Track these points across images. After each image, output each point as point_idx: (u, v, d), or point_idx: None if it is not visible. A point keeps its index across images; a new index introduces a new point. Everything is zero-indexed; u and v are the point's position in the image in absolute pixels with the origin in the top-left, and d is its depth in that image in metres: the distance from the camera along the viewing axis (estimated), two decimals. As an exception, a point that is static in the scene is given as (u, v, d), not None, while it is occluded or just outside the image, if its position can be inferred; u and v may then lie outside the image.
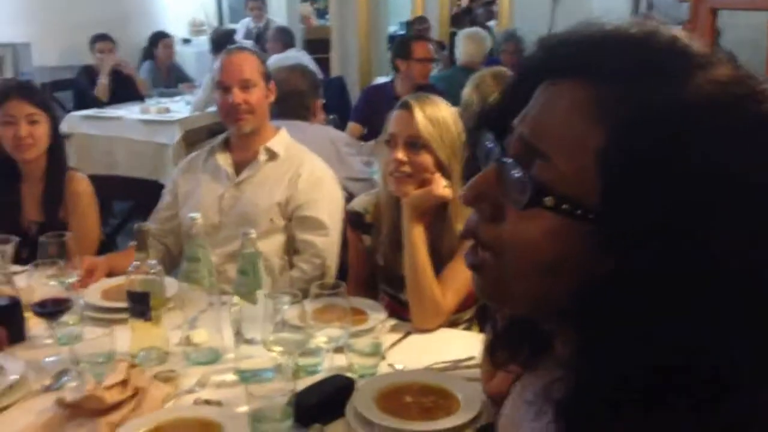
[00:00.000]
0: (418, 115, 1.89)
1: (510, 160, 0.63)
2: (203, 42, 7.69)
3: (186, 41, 8.19)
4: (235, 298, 1.65)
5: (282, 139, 2.45)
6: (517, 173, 0.62)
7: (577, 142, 0.59)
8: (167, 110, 5.42)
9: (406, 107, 1.91)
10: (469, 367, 1.67)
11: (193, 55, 7.89)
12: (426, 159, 1.89)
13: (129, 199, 5.19)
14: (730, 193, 0.55)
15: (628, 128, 0.57)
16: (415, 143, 1.89)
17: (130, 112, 5.48)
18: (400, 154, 1.89)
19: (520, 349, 0.76)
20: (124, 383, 1.53)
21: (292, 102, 3.22)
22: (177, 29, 7.84)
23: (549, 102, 0.63)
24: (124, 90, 6.08)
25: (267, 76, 2.44)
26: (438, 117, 1.90)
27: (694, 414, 0.55)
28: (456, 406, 1.46)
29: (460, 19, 8.89)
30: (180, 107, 5.61)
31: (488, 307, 0.77)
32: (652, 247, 0.55)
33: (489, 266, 0.65)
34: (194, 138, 5.24)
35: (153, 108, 5.49)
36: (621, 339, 0.56)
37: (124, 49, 6.71)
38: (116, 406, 1.49)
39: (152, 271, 1.73)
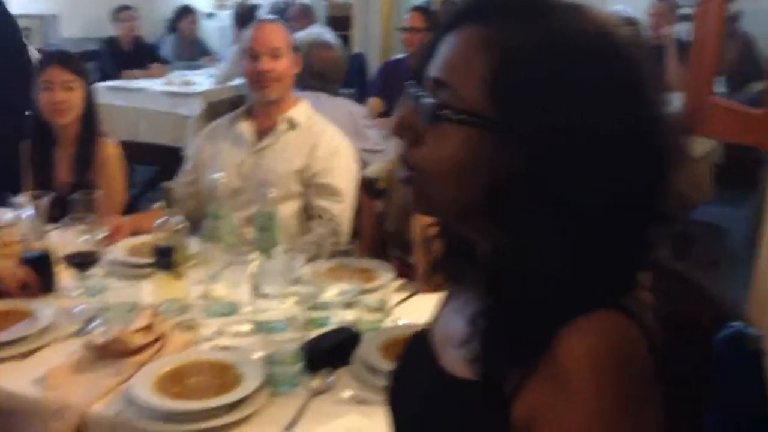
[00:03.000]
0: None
1: (423, 93, 0.83)
2: (227, 16, 7.78)
3: (210, 15, 8.28)
4: (253, 254, 1.76)
5: (303, 109, 2.55)
6: (427, 101, 0.81)
7: (469, 69, 0.79)
8: (190, 83, 5.53)
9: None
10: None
11: (216, 29, 7.99)
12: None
13: (149, 164, 5.30)
14: (588, 95, 0.75)
15: (509, 56, 0.77)
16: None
17: (153, 83, 5.59)
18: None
19: (451, 265, 0.95)
20: (148, 329, 1.65)
21: (329, 77, 3.34)
22: (201, 3, 7.94)
23: (451, 45, 0.82)
24: (146, 60, 6.19)
25: (294, 48, 2.54)
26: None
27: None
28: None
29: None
30: (202, 80, 5.72)
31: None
32: (537, 145, 0.74)
33: (415, 180, 0.84)
34: (216, 111, 5.35)
35: (176, 80, 5.60)
36: (523, 213, 0.76)
37: (149, 22, 6.82)
38: (141, 348, 1.61)
39: (177, 227, 1.85)
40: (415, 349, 1.03)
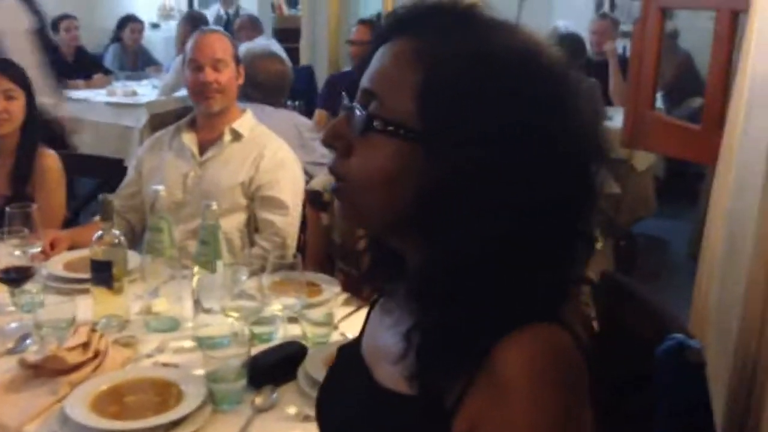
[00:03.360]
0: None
1: (354, 104, 0.83)
2: (172, 27, 7.68)
3: (155, 26, 8.18)
4: (195, 268, 1.72)
5: (247, 120, 2.52)
6: (358, 112, 0.82)
7: (398, 82, 0.80)
8: (134, 93, 5.44)
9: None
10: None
11: (161, 40, 7.89)
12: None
13: (92, 176, 5.18)
14: (513, 109, 0.76)
15: (437, 69, 0.78)
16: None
17: (96, 94, 5.48)
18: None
19: (380, 277, 0.95)
20: (85, 346, 1.59)
21: (277, 89, 3.31)
22: (146, 13, 7.83)
23: (381, 56, 0.83)
24: (88, 70, 6.06)
25: (237, 59, 2.51)
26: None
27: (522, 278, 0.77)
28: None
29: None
30: (147, 91, 5.63)
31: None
32: (463, 155, 0.75)
33: (344, 191, 0.85)
34: (161, 122, 5.26)
35: (119, 90, 5.49)
36: (454, 224, 0.77)
37: (91, 31, 6.69)
38: (77, 366, 1.55)
39: (116, 241, 1.79)
40: (344, 362, 1.03)
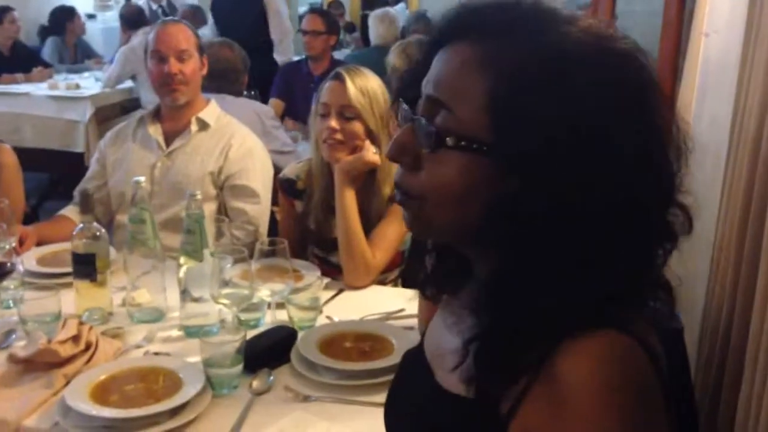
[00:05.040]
0: (350, 86, 2.01)
1: (420, 116, 0.80)
2: (109, 18, 7.54)
3: (91, 16, 7.99)
4: (182, 258, 1.73)
5: (213, 110, 2.52)
6: (426, 125, 0.79)
7: (467, 92, 0.76)
8: (77, 86, 5.33)
9: (339, 78, 2.03)
10: (400, 317, 1.82)
11: (99, 31, 7.72)
12: (357, 127, 2.02)
13: (35, 170, 5.07)
14: (593, 109, 0.72)
15: (506, 77, 0.74)
16: (347, 112, 2.02)
17: (37, 88, 5.36)
18: (333, 123, 2.01)
19: (445, 280, 0.94)
20: (75, 338, 1.60)
21: (228, 77, 3.30)
22: (81, 4, 7.65)
23: (445, 63, 0.80)
24: (25, 64, 5.91)
25: (200, 49, 2.51)
26: (368, 87, 2.03)
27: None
28: (391, 349, 1.61)
29: (372, 2, 9.01)
30: (90, 83, 5.54)
31: (419, 256, 0.95)
32: (538, 166, 0.72)
33: (413, 206, 0.82)
34: (107, 114, 5.19)
35: (62, 84, 5.38)
36: (530, 241, 0.74)
37: (25, 24, 6.53)
38: (70, 359, 1.56)
39: (97, 233, 1.79)
40: (408, 366, 1.04)
